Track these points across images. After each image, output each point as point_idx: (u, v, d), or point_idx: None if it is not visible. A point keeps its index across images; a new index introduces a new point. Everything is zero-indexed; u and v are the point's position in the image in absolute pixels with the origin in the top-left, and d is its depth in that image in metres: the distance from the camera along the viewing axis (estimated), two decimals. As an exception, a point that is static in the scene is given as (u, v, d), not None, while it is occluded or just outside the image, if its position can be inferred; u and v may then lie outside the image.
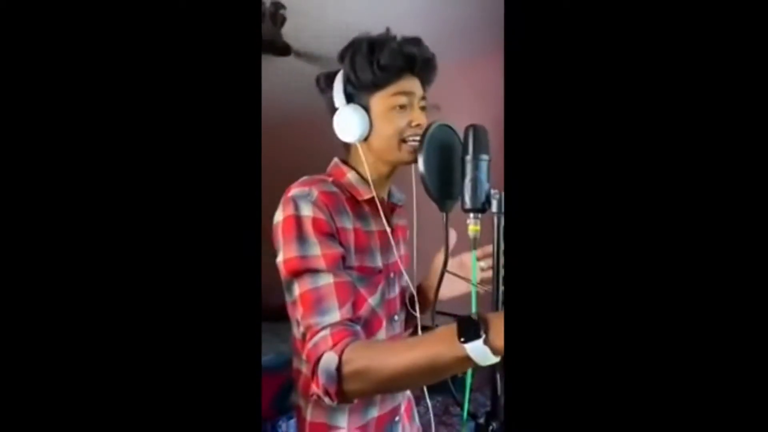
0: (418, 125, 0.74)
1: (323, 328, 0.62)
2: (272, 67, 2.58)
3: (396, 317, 0.82)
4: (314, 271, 0.66)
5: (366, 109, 0.75)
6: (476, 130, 0.61)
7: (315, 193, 0.69)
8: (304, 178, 0.74)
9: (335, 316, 0.63)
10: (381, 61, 0.71)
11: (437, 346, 0.53)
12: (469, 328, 0.50)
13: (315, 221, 0.67)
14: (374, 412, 0.77)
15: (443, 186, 0.65)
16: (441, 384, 0.63)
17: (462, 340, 0.50)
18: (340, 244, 0.70)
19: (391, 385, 0.63)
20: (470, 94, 2.63)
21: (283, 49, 2.29)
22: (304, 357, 0.64)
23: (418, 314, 0.83)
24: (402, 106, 0.74)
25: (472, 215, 0.60)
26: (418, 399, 0.98)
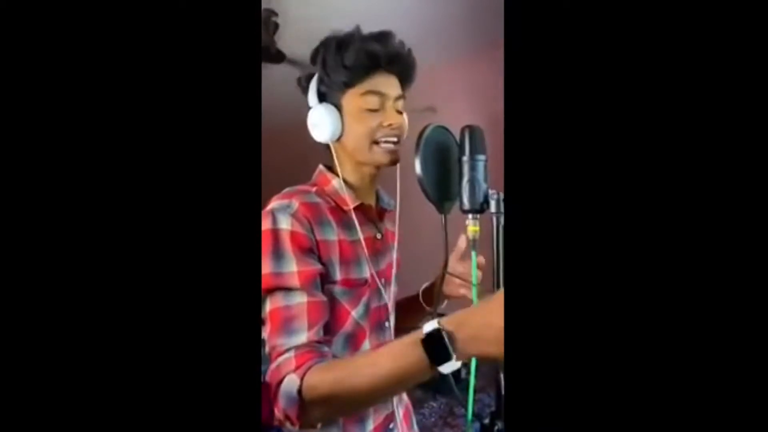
0: (390, 125, 0.72)
1: (288, 349, 0.60)
2: (265, 74, 2.59)
3: (387, 323, 0.80)
4: (287, 289, 0.64)
5: (338, 108, 0.73)
6: (472, 131, 0.61)
7: (295, 204, 0.68)
8: (287, 189, 0.73)
9: (302, 337, 0.61)
10: (345, 61, 0.70)
11: (401, 361, 0.51)
12: (439, 352, 0.48)
13: (293, 235, 0.65)
14: (369, 425, 0.74)
15: (441, 188, 0.65)
16: (445, 385, 0.63)
17: (434, 363, 0.48)
18: (320, 258, 0.68)
19: (356, 407, 0.62)
20: (466, 94, 2.64)
21: (277, 56, 2.30)
22: (267, 378, 0.61)
23: (392, 326, 0.80)
24: (373, 108, 0.72)
25: (470, 216, 0.61)
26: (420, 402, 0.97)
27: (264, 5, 2.10)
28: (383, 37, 0.73)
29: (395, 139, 0.74)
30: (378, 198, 0.84)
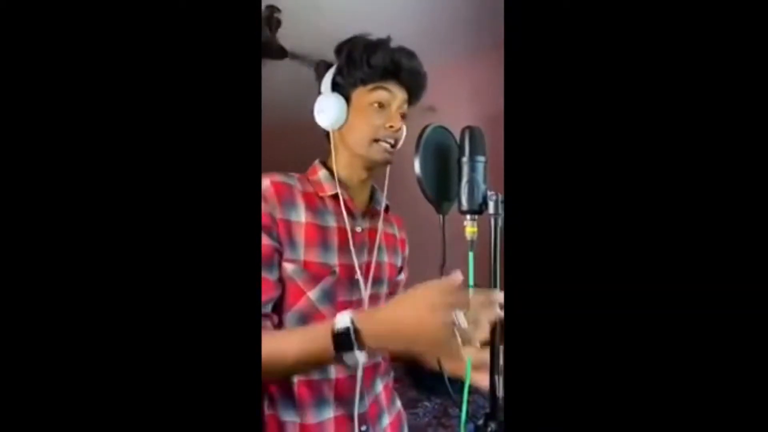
0: (391, 127, 0.76)
1: None
2: (268, 71, 2.58)
3: None
4: None
5: (347, 100, 0.78)
6: (472, 132, 0.61)
7: (266, 183, 0.73)
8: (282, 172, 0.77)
9: None
10: (371, 60, 0.75)
11: (313, 344, 0.57)
12: (344, 342, 0.54)
13: None
14: (329, 413, 0.75)
15: (440, 188, 0.65)
16: (439, 386, 0.63)
17: (338, 352, 0.54)
18: (278, 237, 0.71)
19: (279, 375, 0.70)
20: (466, 94, 2.64)
21: (279, 53, 2.29)
22: None
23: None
24: (381, 105, 0.76)
25: (469, 217, 0.60)
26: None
27: (267, 2, 2.09)
28: (410, 53, 0.78)
29: (392, 142, 0.78)
30: (372, 197, 0.86)
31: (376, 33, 0.80)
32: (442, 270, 0.70)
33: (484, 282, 0.62)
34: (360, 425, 0.76)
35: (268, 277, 0.70)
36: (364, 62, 0.75)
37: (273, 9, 2.13)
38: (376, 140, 0.76)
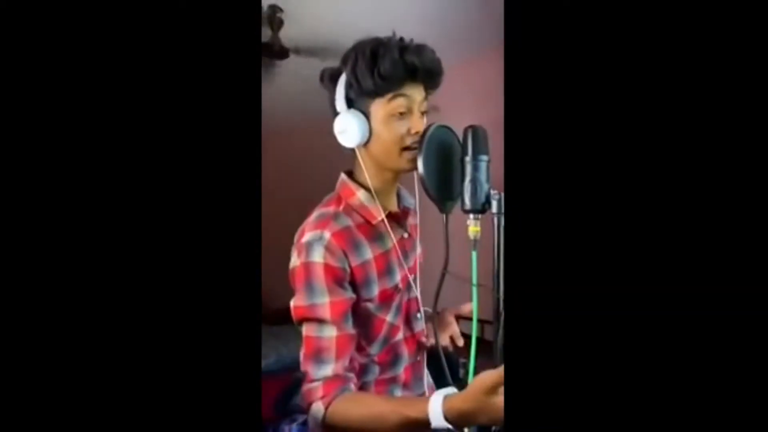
0: (417, 132, 0.72)
1: (317, 379, 0.69)
2: (270, 70, 2.58)
3: (418, 315, 0.83)
4: (319, 321, 0.70)
5: (366, 114, 0.73)
6: (475, 131, 0.61)
7: (327, 236, 0.70)
8: (318, 213, 0.75)
9: (329, 369, 0.69)
10: (381, 70, 0.69)
11: (406, 424, 0.61)
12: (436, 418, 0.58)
13: (326, 268, 0.69)
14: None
15: (443, 187, 0.65)
16: (442, 384, 0.63)
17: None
18: (356, 284, 0.72)
19: None
20: (469, 94, 2.63)
21: (281, 53, 2.29)
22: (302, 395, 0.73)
23: (423, 317, 0.84)
24: (402, 113, 0.72)
25: (472, 216, 0.61)
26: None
27: (269, 1, 2.09)
28: (421, 49, 0.72)
29: (419, 140, 0.74)
30: (399, 198, 0.86)
31: (377, 32, 0.75)
32: (445, 269, 0.70)
33: (487, 281, 0.62)
34: None
35: (347, 332, 0.71)
36: (375, 74, 0.69)
37: (275, 8, 2.13)
38: (405, 148, 0.72)
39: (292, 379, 1.81)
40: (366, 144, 0.75)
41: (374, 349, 0.77)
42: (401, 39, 0.73)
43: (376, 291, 0.74)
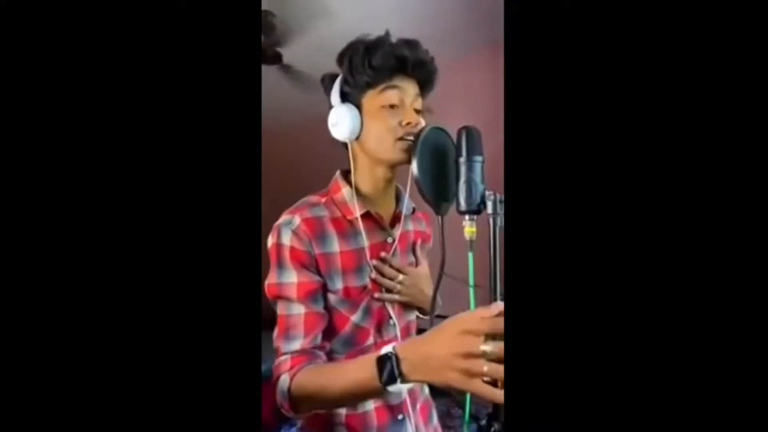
0: (408, 123, 0.73)
1: (285, 353, 0.71)
2: (263, 76, 2.58)
3: (391, 321, 0.81)
4: (288, 299, 0.73)
5: (359, 108, 0.76)
6: (469, 132, 0.61)
7: (296, 221, 0.73)
8: (302, 200, 0.78)
9: (298, 344, 0.71)
10: (373, 62, 0.72)
11: (360, 375, 0.58)
12: (388, 373, 0.54)
13: (292, 251, 0.72)
14: (370, 406, 0.79)
15: (438, 189, 0.65)
16: (441, 389, 0.63)
17: (382, 382, 0.55)
18: (320, 271, 0.73)
19: (331, 406, 0.74)
20: (462, 95, 2.64)
21: (274, 58, 2.29)
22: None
23: (397, 323, 0.82)
24: (393, 105, 0.74)
25: (467, 217, 0.61)
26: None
27: (262, 6, 2.10)
28: (412, 43, 0.75)
29: (413, 138, 0.75)
30: (398, 201, 0.86)
31: (372, 33, 0.77)
32: (442, 270, 0.70)
33: (484, 282, 0.62)
34: (397, 414, 0.81)
35: (315, 310, 0.73)
36: (366, 65, 0.73)
37: (268, 14, 2.13)
38: (398, 140, 0.74)
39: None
40: (359, 138, 0.76)
41: (336, 346, 0.76)
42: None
43: (340, 285, 0.75)
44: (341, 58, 0.77)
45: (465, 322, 0.50)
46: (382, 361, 0.55)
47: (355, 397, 0.66)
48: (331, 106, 0.78)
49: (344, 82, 0.76)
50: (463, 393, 0.51)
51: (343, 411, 0.77)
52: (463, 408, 0.62)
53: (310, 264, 0.73)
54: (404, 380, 0.54)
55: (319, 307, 0.74)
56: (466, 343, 0.49)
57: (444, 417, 2.46)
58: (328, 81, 0.80)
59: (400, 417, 0.81)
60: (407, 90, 0.75)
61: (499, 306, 0.48)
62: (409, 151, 0.73)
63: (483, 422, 0.59)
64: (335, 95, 0.77)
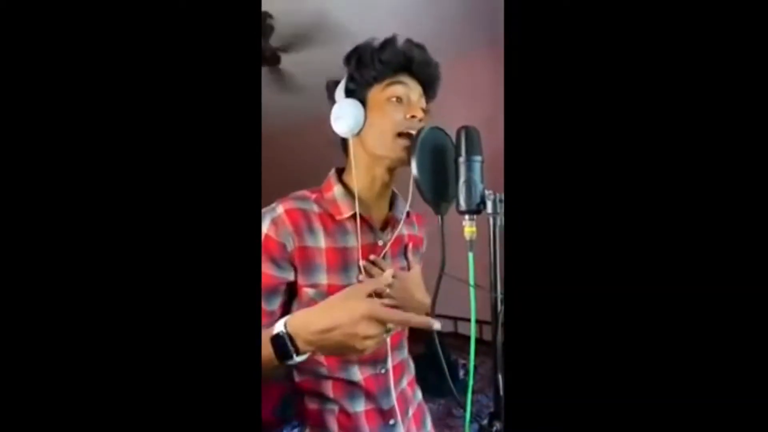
0: (413, 117, 0.73)
1: None
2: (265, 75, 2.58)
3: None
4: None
5: (363, 103, 0.75)
6: (468, 132, 0.61)
7: (279, 210, 0.72)
8: (292, 194, 0.77)
9: None
10: (383, 57, 0.74)
11: (264, 351, 0.57)
12: (282, 350, 0.55)
13: (266, 240, 0.70)
14: (360, 407, 0.78)
15: (437, 189, 0.65)
16: (443, 386, 0.63)
17: (280, 359, 0.55)
18: (295, 265, 0.71)
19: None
20: (461, 95, 2.64)
21: (272, 59, 2.30)
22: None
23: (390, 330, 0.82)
24: (399, 99, 0.74)
25: (467, 217, 0.60)
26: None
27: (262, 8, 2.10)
28: (419, 46, 0.77)
29: (412, 140, 0.74)
30: (393, 204, 0.85)
31: (370, 33, 0.79)
32: (442, 270, 0.70)
33: (484, 282, 0.62)
34: (389, 419, 0.79)
35: (264, 307, 0.70)
36: (375, 60, 0.74)
37: (266, 15, 2.14)
38: (399, 134, 0.73)
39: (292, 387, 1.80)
40: (360, 134, 0.76)
41: None
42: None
43: (324, 281, 0.73)
44: (349, 58, 0.78)
45: (358, 288, 0.55)
46: (275, 340, 0.56)
47: (269, 371, 0.65)
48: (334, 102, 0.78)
49: (350, 79, 0.77)
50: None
51: (335, 410, 0.76)
52: (464, 408, 0.62)
53: (281, 258, 0.71)
54: (300, 354, 0.56)
55: (269, 306, 0.71)
56: (365, 306, 0.52)
57: (445, 417, 2.46)
58: (332, 85, 0.80)
59: (391, 422, 0.80)
60: (412, 86, 0.76)
61: (387, 276, 0.55)
62: (408, 151, 0.73)
63: (484, 422, 0.59)
64: (340, 92, 0.77)
